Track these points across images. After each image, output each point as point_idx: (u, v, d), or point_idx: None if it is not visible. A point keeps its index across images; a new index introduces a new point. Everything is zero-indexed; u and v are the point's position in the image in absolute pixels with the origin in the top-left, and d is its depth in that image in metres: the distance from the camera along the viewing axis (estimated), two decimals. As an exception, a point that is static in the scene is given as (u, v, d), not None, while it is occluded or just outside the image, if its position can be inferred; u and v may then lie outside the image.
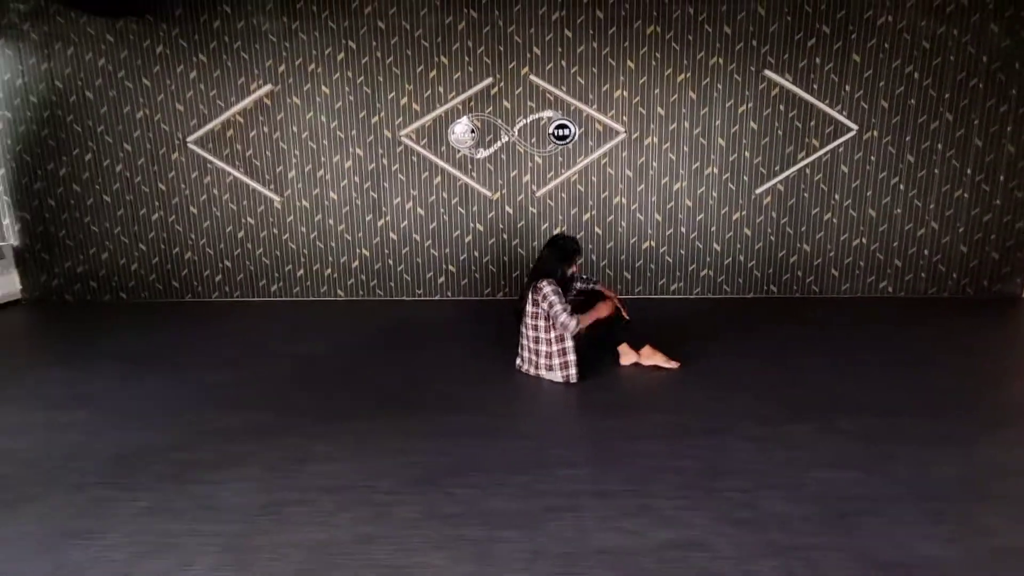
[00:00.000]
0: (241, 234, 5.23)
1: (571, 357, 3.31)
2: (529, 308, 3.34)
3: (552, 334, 3.31)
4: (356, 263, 5.29)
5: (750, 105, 4.93)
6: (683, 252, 5.21)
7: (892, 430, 2.77)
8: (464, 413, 2.99)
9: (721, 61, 4.86)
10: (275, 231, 5.23)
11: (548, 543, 1.98)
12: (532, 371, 3.42)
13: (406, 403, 3.12)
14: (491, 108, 4.99)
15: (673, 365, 3.52)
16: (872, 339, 4.07)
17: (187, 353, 3.94)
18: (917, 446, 2.62)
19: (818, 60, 4.84)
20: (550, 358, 3.33)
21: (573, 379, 3.31)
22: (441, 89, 4.97)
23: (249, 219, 5.21)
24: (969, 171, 4.99)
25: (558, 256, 3.36)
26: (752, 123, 4.96)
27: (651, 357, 3.56)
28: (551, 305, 3.22)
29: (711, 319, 4.66)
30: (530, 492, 2.28)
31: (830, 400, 3.09)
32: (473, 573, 1.85)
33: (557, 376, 3.33)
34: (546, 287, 3.24)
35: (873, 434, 2.73)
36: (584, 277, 3.67)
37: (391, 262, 5.29)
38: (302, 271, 5.32)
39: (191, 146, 5.01)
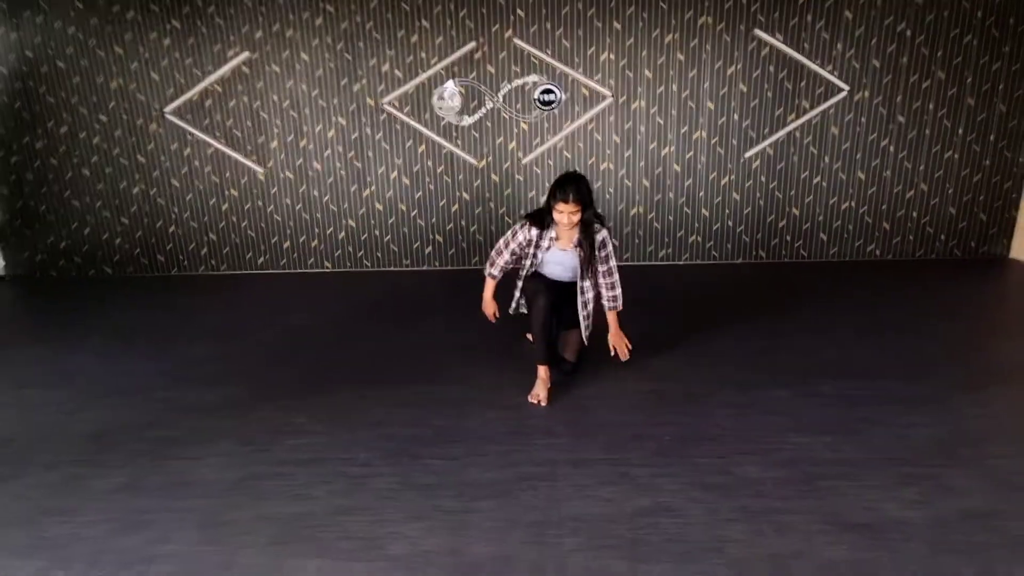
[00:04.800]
0: (225, 206, 5.16)
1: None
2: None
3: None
4: (342, 234, 5.24)
5: (739, 66, 4.82)
6: (671, 218, 5.17)
7: (872, 394, 2.78)
8: (445, 384, 2.99)
9: (710, 20, 4.73)
10: (259, 203, 5.17)
11: (522, 513, 2.00)
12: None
13: (386, 375, 3.12)
14: (475, 73, 4.87)
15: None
16: (858, 303, 4.06)
17: (171, 328, 3.92)
18: (895, 410, 2.63)
19: (809, 17, 4.71)
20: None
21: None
22: (423, 54, 4.85)
23: (232, 191, 5.13)
24: (960, 131, 4.92)
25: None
26: (741, 85, 4.86)
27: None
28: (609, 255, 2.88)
29: (699, 286, 4.64)
30: (506, 462, 2.29)
31: (813, 365, 3.10)
32: (446, 543, 1.87)
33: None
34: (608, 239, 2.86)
35: (853, 398, 2.74)
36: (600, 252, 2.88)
37: (377, 232, 5.24)
38: (288, 243, 5.27)
39: (169, 117, 4.91)
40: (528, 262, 2.91)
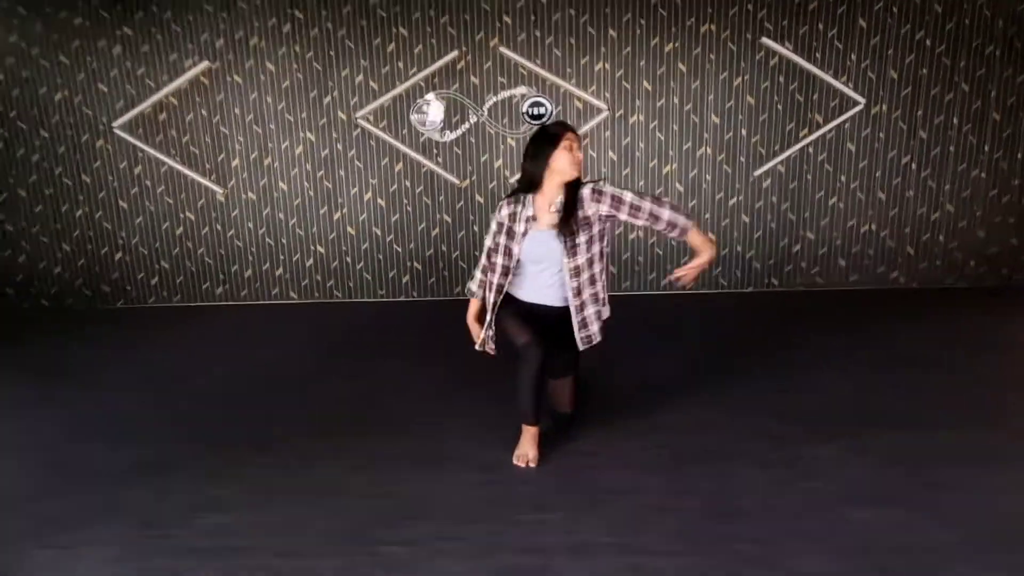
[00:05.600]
0: (179, 231, 4.65)
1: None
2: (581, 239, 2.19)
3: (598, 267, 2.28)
4: (310, 261, 4.73)
5: (746, 77, 4.41)
6: (674, 243, 4.70)
7: (928, 449, 2.26)
8: (415, 438, 2.45)
9: (714, 28, 4.34)
10: (218, 227, 4.65)
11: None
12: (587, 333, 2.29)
13: (348, 427, 2.57)
14: (457, 85, 4.45)
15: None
16: (885, 337, 3.56)
17: (103, 369, 3.36)
18: (960, 468, 2.12)
19: (821, 26, 4.33)
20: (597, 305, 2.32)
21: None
22: (401, 65, 4.42)
23: (188, 214, 4.62)
24: (987, 148, 4.51)
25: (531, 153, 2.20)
26: (749, 97, 4.45)
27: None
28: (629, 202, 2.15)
29: (707, 318, 4.14)
30: (484, 549, 1.75)
31: (851, 413, 2.58)
32: None
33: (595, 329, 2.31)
34: (606, 189, 2.16)
35: (908, 455, 2.22)
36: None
37: (349, 260, 4.74)
38: (250, 271, 4.74)
39: (118, 132, 4.42)
40: (499, 260, 2.23)
